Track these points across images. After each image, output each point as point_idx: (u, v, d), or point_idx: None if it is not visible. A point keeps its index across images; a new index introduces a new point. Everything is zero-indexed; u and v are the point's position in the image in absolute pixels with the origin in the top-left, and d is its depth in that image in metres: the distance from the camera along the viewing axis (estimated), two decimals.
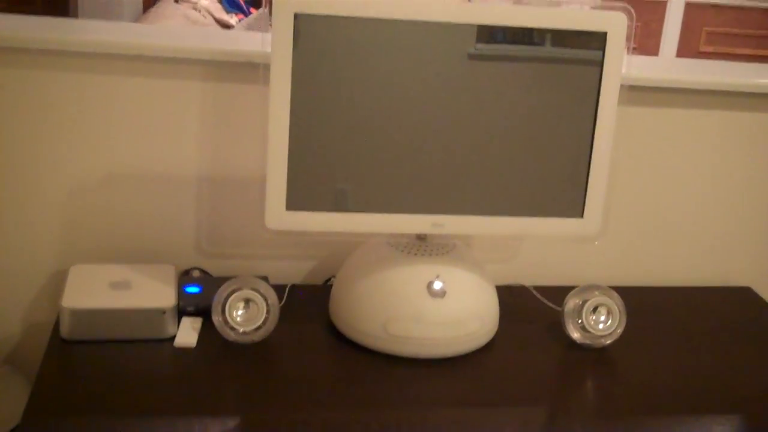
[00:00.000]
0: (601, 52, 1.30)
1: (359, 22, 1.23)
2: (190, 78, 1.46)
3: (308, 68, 1.24)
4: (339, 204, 1.30)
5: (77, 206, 1.51)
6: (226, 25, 3.57)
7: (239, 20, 3.68)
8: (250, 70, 1.47)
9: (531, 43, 1.28)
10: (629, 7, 1.31)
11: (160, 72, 1.45)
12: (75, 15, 3.59)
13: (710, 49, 4.65)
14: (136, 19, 3.60)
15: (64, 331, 1.30)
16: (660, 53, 4.45)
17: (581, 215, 1.36)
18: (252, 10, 3.83)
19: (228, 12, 3.69)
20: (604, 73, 1.31)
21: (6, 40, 1.39)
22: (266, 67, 1.41)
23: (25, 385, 1.44)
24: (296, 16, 1.22)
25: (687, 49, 4.60)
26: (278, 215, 1.29)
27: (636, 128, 1.63)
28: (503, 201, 1.34)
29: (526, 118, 1.31)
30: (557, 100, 1.31)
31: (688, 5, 4.41)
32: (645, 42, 4.43)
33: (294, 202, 1.28)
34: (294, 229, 1.29)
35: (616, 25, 1.30)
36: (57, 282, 1.54)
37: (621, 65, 1.31)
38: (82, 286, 1.36)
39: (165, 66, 1.45)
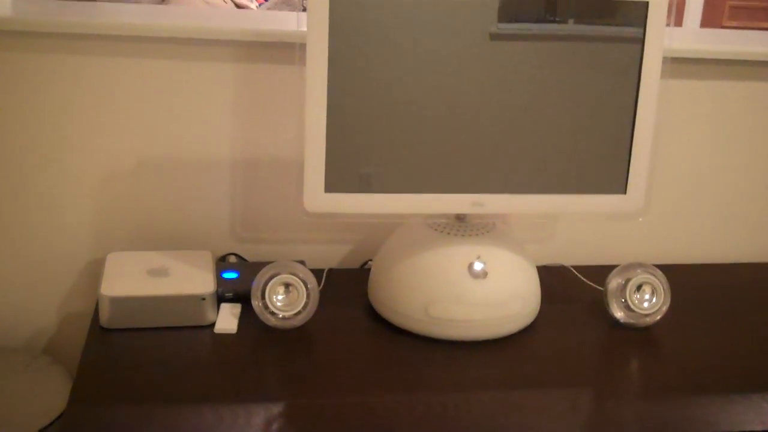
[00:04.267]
0: (642, 26, 1.27)
1: (388, 1, 1.21)
2: (223, 60, 1.44)
3: (344, 48, 1.21)
4: (377, 185, 1.28)
5: (111, 193, 1.49)
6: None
7: (259, 5, 3.66)
8: (283, 50, 1.45)
9: (560, 21, 1.25)
10: None
11: (192, 54, 1.44)
12: None
13: (734, 23, 4.58)
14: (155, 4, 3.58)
15: (104, 319, 1.29)
16: (684, 28, 4.39)
17: (624, 191, 1.34)
18: None
19: None
20: (645, 46, 1.28)
21: (35, 25, 1.37)
22: (302, 47, 1.39)
23: (65, 375, 1.44)
24: None
25: (710, 23, 4.54)
26: (317, 197, 1.27)
27: (678, 102, 1.60)
28: (544, 179, 1.31)
29: (564, 96, 1.28)
30: (597, 75, 1.28)
31: None
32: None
33: (333, 184, 1.26)
34: (333, 212, 1.28)
35: None
36: (93, 270, 1.53)
37: (663, 37, 1.28)
38: (120, 273, 1.35)
39: (197, 48, 1.43)
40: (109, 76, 1.43)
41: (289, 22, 1.51)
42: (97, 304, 1.32)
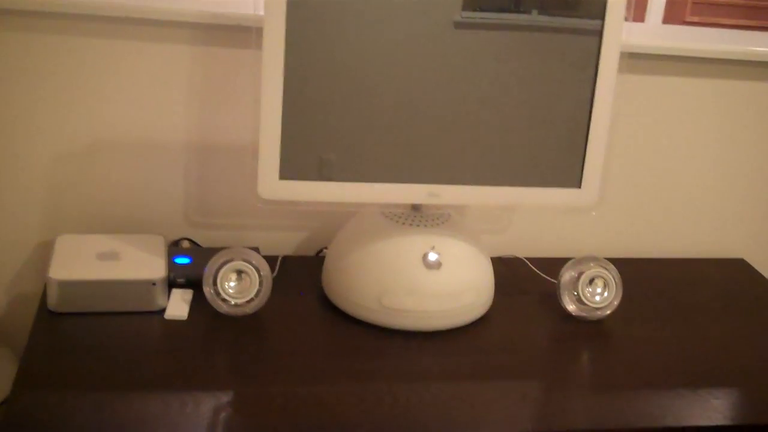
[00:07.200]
0: (601, 18, 1.27)
1: None
2: (178, 41, 1.42)
3: (302, 33, 1.20)
4: (333, 173, 1.27)
5: (62, 174, 1.47)
6: None
7: None
8: (240, 34, 1.43)
9: (524, 11, 1.25)
10: None
11: (147, 35, 1.41)
12: None
13: (696, 19, 4.62)
14: None
15: (52, 302, 1.27)
16: (645, 23, 4.42)
17: (579, 185, 1.34)
18: None
19: None
20: (603, 39, 1.28)
21: None
22: (259, 31, 1.37)
23: (11, 358, 1.41)
24: None
25: (672, 18, 4.57)
26: (271, 184, 1.25)
27: (634, 97, 1.61)
28: (500, 171, 1.31)
29: (524, 87, 1.28)
30: (557, 68, 1.28)
31: None
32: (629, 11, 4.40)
33: (287, 172, 1.25)
34: (287, 199, 1.26)
35: None
36: (42, 252, 1.50)
37: (621, 31, 1.29)
38: (70, 256, 1.32)
39: (152, 29, 1.41)
40: (60, 55, 1.40)
41: (246, 6, 1.49)
42: (45, 287, 1.29)
